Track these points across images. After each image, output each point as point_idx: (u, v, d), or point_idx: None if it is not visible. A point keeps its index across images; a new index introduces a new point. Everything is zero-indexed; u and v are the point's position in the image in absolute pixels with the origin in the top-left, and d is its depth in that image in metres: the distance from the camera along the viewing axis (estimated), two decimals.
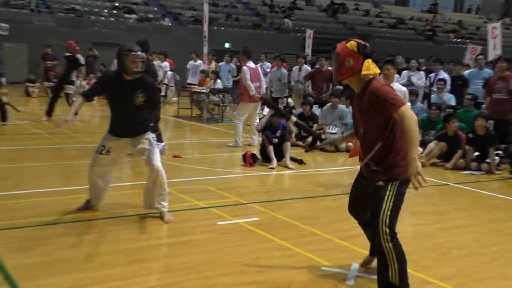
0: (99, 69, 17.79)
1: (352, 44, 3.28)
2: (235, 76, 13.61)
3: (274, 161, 7.50)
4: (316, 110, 10.49)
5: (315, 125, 9.52)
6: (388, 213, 3.16)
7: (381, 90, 3.16)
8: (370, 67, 3.21)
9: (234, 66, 14.21)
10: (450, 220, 5.40)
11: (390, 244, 3.14)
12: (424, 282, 3.70)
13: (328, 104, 9.95)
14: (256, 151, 8.04)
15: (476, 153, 8.20)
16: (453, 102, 10.18)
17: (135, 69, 4.57)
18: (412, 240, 4.65)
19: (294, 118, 3.73)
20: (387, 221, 3.15)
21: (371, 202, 3.36)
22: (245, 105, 9.11)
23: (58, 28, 22.85)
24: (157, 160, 4.75)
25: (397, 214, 3.22)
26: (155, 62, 15.28)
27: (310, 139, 9.30)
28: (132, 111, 4.71)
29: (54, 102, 11.39)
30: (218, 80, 13.38)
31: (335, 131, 9.54)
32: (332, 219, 5.12)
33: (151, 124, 4.99)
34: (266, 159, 7.63)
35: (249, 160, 7.47)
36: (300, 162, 7.83)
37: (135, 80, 4.64)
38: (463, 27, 35.93)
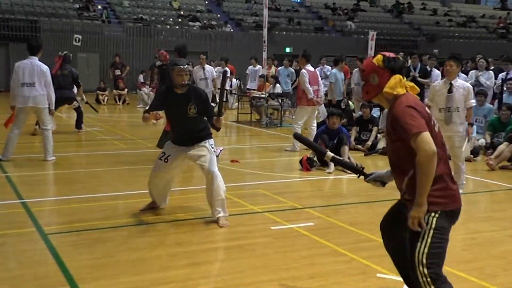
0: None
1: (378, 58, 2.91)
2: (294, 81, 13.61)
3: (331, 165, 7.41)
4: (376, 113, 10.27)
5: (375, 128, 9.33)
6: (425, 250, 2.66)
7: (401, 111, 2.73)
8: (395, 85, 2.81)
9: (293, 70, 14.20)
10: None
11: (428, 279, 2.66)
12: None
13: None
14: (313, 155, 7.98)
15: None
16: None
17: (182, 82, 4.74)
18: (478, 247, 4.47)
19: (330, 154, 3.32)
20: (424, 260, 2.65)
21: (403, 231, 2.87)
22: (303, 108, 9.08)
23: (126, 37, 23.88)
24: (212, 165, 4.85)
25: (439, 254, 2.70)
26: (216, 69, 15.61)
27: (369, 142, 9.14)
28: (187, 123, 4.87)
29: None
30: (277, 85, 13.43)
31: None
32: None
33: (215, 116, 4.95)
34: (324, 163, 7.56)
35: (305, 165, 7.42)
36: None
37: (186, 92, 4.80)
38: None
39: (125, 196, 5.91)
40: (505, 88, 10.22)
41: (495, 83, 10.78)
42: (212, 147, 4.95)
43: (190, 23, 26.00)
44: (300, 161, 7.59)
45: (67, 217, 5.09)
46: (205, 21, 26.53)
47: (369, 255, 4.14)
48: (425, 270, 2.66)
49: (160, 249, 4.23)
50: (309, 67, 9.21)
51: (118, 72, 18.18)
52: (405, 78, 2.89)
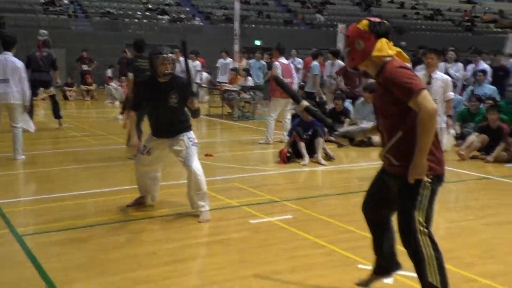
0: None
1: (363, 23, 2.86)
2: (266, 73, 13.60)
3: (306, 157, 7.45)
4: (349, 105, 10.37)
5: (347, 120, 9.40)
6: (423, 212, 2.77)
7: (395, 72, 2.71)
8: (383, 48, 2.77)
9: (264, 63, 14.18)
10: (494, 215, 5.22)
11: (428, 239, 2.77)
12: (468, 280, 3.59)
13: (362, 99, 9.82)
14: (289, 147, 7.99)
15: None
16: (495, 94, 9.90)
17: (165, 71, 4.71)
18: (454, 236, 4.55)
19: (304, 103, 3.18)
20: (423, 220, 2.77)
21: (391, 201, 2.98)
22: (277, 100, 9.09)
23: (94, 32, 23.37)
24: (192, 160, 4.81)
25: (431, 216, 2.82)
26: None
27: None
28: (168, 113, 4.81)
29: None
30: (249, 78, 13.40)
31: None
32: None
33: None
34: (299, 156, 7.58)
35: (283, 157, 7.42)
36: (330, 158, 7.72)
37: (168, 82, 4.76)
38: (504, 17, 34.70)
39: (99, 193, 5.78)
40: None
41: (464, 75, 11.03)
42: (191, 140, 4.88)
43: (159, 16, 25.63)
44: (280, 152, 7.56)
45: (41, 217, 4.95)
46: (174, 15, 26.19)
47: (349, 246, 4.17)
48: (426, 230, 2.76)
49: (140, 247, 4.17)
50: (283, 59, 9.22)
51: (85, 67, 17.79)
52: (391, 43, 2.86)
